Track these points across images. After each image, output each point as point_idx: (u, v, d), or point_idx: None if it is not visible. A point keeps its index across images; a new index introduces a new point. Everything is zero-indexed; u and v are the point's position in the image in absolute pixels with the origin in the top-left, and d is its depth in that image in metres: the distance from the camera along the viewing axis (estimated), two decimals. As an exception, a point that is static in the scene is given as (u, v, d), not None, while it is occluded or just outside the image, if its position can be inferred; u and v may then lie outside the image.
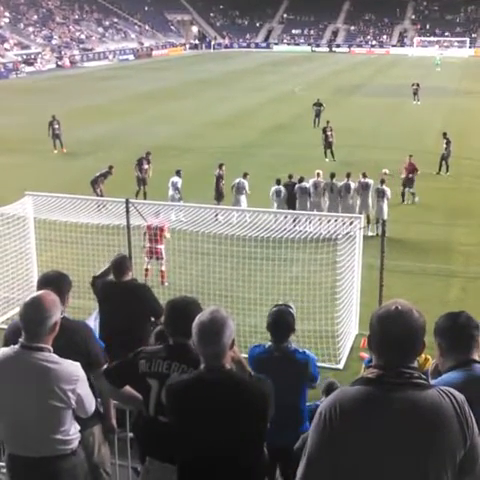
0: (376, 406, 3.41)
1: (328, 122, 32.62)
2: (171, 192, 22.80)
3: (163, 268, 17.39)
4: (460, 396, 3.48)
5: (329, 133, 32.06)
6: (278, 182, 22.70)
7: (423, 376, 3.52)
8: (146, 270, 17.02)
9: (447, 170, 29.20)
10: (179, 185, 22.92)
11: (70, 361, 5.11)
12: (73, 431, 5.26)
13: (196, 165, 28.77)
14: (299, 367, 7.07)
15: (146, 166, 25.67)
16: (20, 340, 5.09)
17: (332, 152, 31.98)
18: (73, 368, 5.10)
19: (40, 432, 5.13)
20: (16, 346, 5.10)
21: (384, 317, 3.51)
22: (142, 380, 5.31)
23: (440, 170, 29.31)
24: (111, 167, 24.49)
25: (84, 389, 5.18)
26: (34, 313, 4.99)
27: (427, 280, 18.09)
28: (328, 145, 32.13)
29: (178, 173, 23.35)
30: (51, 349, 5.08)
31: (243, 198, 22.38)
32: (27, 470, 5.21)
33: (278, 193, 22.42)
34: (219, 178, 23.54)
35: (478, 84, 60.49)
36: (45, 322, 4.97)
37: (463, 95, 53.74)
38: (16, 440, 5.24)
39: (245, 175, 22.95)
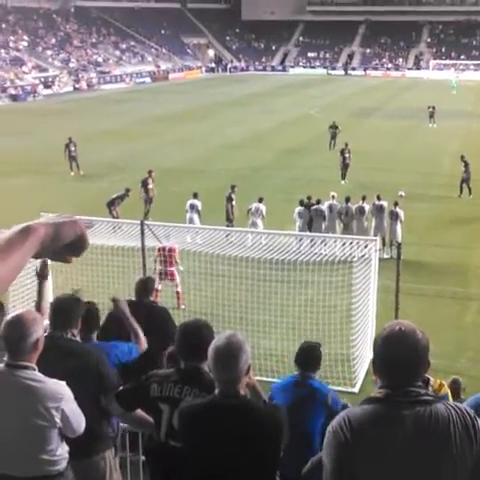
0: (385, 424, 3.41)
1: (347, 144, 32.64)
2: (190, 214, 22.79)
3: (179, 289, 17.34)
4: (467, 409, 3.49)
5: (347, 155, 32.07)
6: (301, 203, 22.73)
7: (430, 392, 3.54)
8: (157, 290, 16.96)
9: (469, 192, 29.01)
10: (199, 208, 22.94)
11: (55, 380, 5.07)
12: (60, 452, 5.18)
13: (211, 187, 28.81)
14: (320, 401, 7.02)
15: (151, 185, 25.81)
16: (4, 359, 5.09)
17: (345, 174, 31.95)
18: (57, 387, 5.06)
19: (25, 451, 5.07)
20: (1, 364, 5.10)
21: (388, 338, 3.52)
22: (153, 404, 5.28)
23: (461, 192, 29.15)
24: (128, 190, 24.64)
25: (69, 407, 5.11)
26: (15, 331, 4.98)
27: (443, 303, 17.98)
28: (345, 167, 32.14)
29: (196, 196, 23.38)
30: (35, 367, 5.06)
31: (259, 222, 22.33)
32: None
33: (300, 214, 22.45)
34: (228, 199, 23.57)
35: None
36: (26, 340, 4.96)
37: (479, 117, 53.59)
38: (2, 459, 5.17)
39: (261, 200, 22.91)
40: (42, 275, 7.27)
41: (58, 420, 5.05)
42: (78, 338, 6.09)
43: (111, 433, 6.23)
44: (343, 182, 31.07)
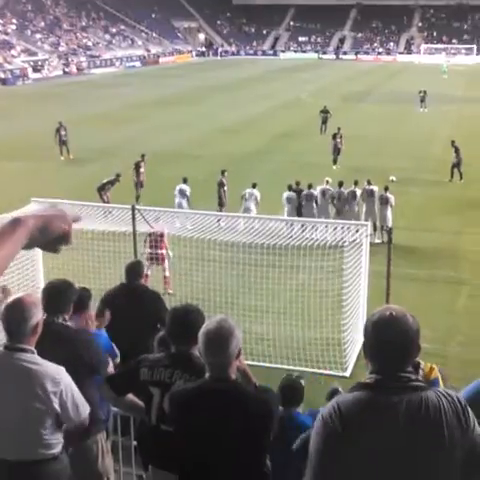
0: (376, 410, 3.40)
1: (339, 129, 32.57)
2: (178, 199, 22.70)
3: (167, 274, 17.28)
4: (458, 396, 3.48)
5: (338, 140, 32.04)
6: (290, 188, 22.72)
7: (420, 379, 3.53)
8: (146, 276, 16.89)
9: (460, 177, 29.05)
10: (188, 193, 22.87)
11: (54, 364, 5.09)
12: (56, 436, 5.20)
13: (203, 172, 28.75)
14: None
15: (142, 169, 25.80)
16: (3, 342, 5.13)
17: (336, 159, 31.91)
18: (56, 370, 5.08)
19: (22, 434, 5.08)
20: (1, 348, 5.13)
21: (379, 323, 3.50)
22: (144, 388, 5.30)
23: (452, 177, 29.20)
24: (118, 175, 24.57)
25: (70, 392, 5.13)
26: (15, 314, 5.01)
27: (435, 287, 18.03)
28: (337, 152, 32.10)
29: (185, 181, 23.31)
30: (34, 350, 5.08)
31: (253, 207, 22.24)
32: (8, 474, 5.16)
33: (289, 200, 22.43)
34: (220, 185, 23.52)
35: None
36: (26, 323, 4.99)
37: (470, 102, 53.60)
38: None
39: (254, 185, 22.84)
40: None
41: (56, 405, 5.05)
42: (70, 323, 6.08)
43: (102, 416, 6.25)
44: (334, 167, 31.03)
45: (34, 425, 5.08)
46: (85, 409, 5.27)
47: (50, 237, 2.39)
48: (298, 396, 7.09)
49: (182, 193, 22.88)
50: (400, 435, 3.35)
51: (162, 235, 16.87)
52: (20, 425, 5.07)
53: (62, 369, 5.10)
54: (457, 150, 29.03)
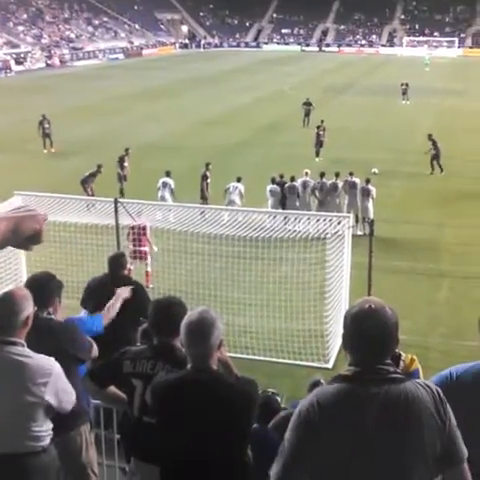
0: (355, 402, 3.43)
1: (322, 121, 32.56)
2: (161, 193, 22.63)
3: (148, 269, 17.29)
4: (436, 387, 3.52)
5: (321, 132, 32.08)
6: (273, 181, 22.78)
7: (398, 370, 3.56)
8: (129, 270, 16.86)
9: (441, 170, 29.23)
10: (172, 186, 22.82)
11: (44, 356, 5.13)
12: (45, 428, 5.22)
13: (186, 164, 28.73)
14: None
15: (126, 163, 25.75)
16: None
17: (319, 151, 31.97)
18: (46, 362, 5.12)
19: (11, 427, 5.11)
20: None
21: (358, 316, 3.54)
22: (126, 380, 5.33)
23: (433, 170, 29.39)
24: (100, 166, 24.48)
25: (59, 384, 5.16)
26: (5, 308, 5.04)
27: (416, 279, 18.15)
28: (319, 144, 32.17)
29: (168, 174, 23.25)
30: (24, 343, 5.11)
31: (237, 200, 22.19)
32: None
33: (273, 192, 22.49)
34: (204, 177, 23.52)
35: (466, 83, 60.76)
36: (17, 316, 5.02)
37: (452, 94, 53.83)
38: None
39: (239, 179, 22.82)
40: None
41: (46, 396, 5.08)
42: (53, 316, 6.09)
43: (86, 408, 6.27)
44: (317, 159, 31.11)
45: (24, 418, 5.10)
46: (73, 398, 5.35)
47: (22, 237, 2.47)
48: (273, 415, 7.07)
49: (165, 186, 22.82)
50: (377, 426, 3.37)
51: (144, 228, 16.86)
52: (10, 418, 5.09)
53: (52, 360, 5.14)
54: (435, 143, 29.22)
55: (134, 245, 16.90)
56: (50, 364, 5.13)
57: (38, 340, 5.27)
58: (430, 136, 29.52)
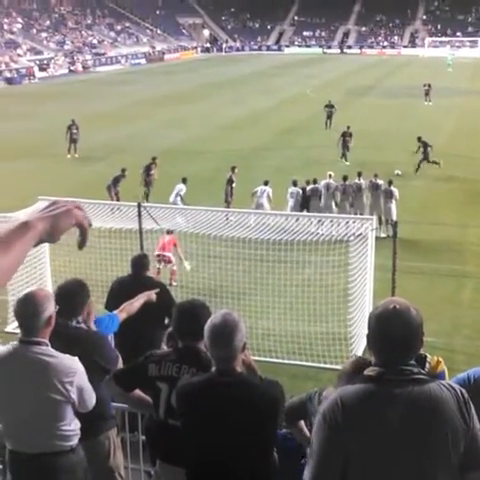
0: (379, 403, 3.43)
1: (349, 127, 32.26)
2: (172, 199, 22.56)
3: (174, 268, 17.43)
4: (460, 388, 3.51)
5: (348, 138, 31.77)
6: (294, 184, 22.76)
7: (422, 371, 3.56)
8: (158, 270, 16.96)
9: (439, 164, 29.13)
10: (182, 193, 22.76)
11: (68, 355, 5.18)
12: (73, 428, 5.28)
13: (208, 168, 28.80)
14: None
15: (153, 171, 25.67)
16: (18, 336, 5.23)
17: (345, 154, 31.73)
18: (70, 361, 5.17)
19: (40, 427, 5.18)
20: (15, 342, 5.23)
21: (383, 316, 3.53)
22: (152, 384, 5.35)
23: (418, 168, 29.31)
24: (124, 170, 24.45)
25: (82, 382, 5.22)
26: (28, 308, 5.10)
27: (440, 281, 18.03)
28: (347, 149, 31.81)
29: (184, 181, 23.24)
30: (48, 343, 5.17)
31: (266, 203, 22.25)
32: (26, 467, 5.25)
33: (293, 195, 22.47)
34: (229, 181, 23.51)
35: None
36: (39, 316, 5.08)
37: (475, 95, 53.43)
38: (16, 436, 5.29)
39: (266, 183, 22.86)
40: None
41: (73, 395, 5.15)
42: (83, 325, 6.08)
43: (113, 413, 6.31)
44: (347, 163, 30.57)
45: (53, 417, 5.17)
46: (94, 398, 5.38)
47: (58, 236, 2.47)
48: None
49: (177, 193, 22.75)
50: (402, 427, 3.37)
51: (172, 242, 17.07)
52: (39, 417, 5.17)
53: (75, 359, 5.20)
54: (425, 145, 29.16)
55: (159, 250, 17.06)
56: (74, 363, 5.19)
57: (66, 349, 5.30)
58: (419, 138, 29.44)
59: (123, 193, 23.36)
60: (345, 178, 22.60)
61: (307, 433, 5.45)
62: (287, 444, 5.79)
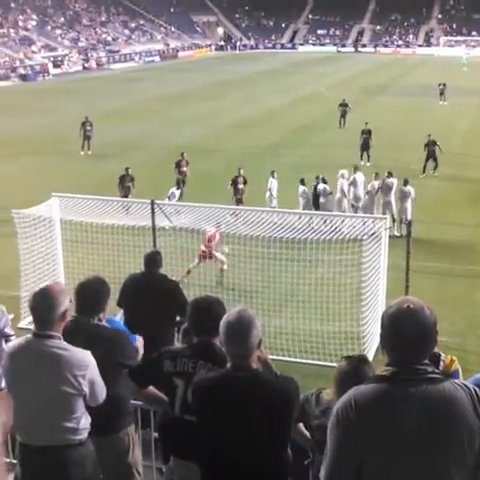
0: (393, 402, 3.41)
1: (366, 123, 31.90)
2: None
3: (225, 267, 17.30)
4: (474, 387, 3.48)
5: (365, 136, 31.38)
6: (302, 182, 22.70)
7: (436, 370, 3.53)
8: (188, 271, 16.76)
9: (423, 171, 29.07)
10: (177, 194, 22.78)
11: (80, 349, 5.21)
12: (83, 422, 5.30)
13: (220, 166, 28.76)
14: None
15: (185, 168, 25.71)
16: (32, 329, 5.25)
17: (367, 155, 31.41)
18: (83, 355, 5.20)
19: (50, 419, 5.21)
20: (29, 335, 5.25)
21: (396, 316, 3.51)
22: (168, 379, 5.35)
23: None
24: (127, 168, 24.48)
25: (94, 376, 5.24)
26: (43, 302, 5.14)
27: (454, 281, 17.95)
28: (366, 147, 31.47)
29: (178, 185, 23.44)
30: (61, 337, 5.20)
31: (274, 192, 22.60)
32: (36, 459, 5.27)
33: (303, 194, 22.45)
34: (234, 182, 23.57)
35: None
36: (54, 310, 5.11)
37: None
38: (28, 428, 5.31)
39: (272, 174, 23.07)
40: None
41: (85, 388, 5.18)
42: (104, 322, 6.07)
43: (132, 409, 6.31)
44: (368, 164, 30.05)
45: (65, 409, 5.20)
46: (104, 392, 5.41)
47: None
48: None
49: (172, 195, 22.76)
50: (416, 426, 3.35)
51: (210, 239, 17.04)
52: (51, 410, 5.19)
53: (88, 353, 5.22)
54: (434, 144, 29.00)
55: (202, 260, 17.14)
56: (86, 356, 5.21)
57: (88, 347, 5.31)
58: (429, 138, 29.25)
59: (140, 190, 23.22)
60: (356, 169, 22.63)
61: (307, 434, 5.47)
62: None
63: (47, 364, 5.14)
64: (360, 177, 22.86)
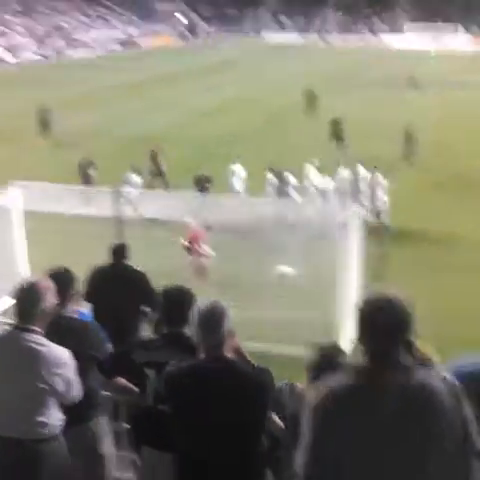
0: (369, 392, 3.43)
1: (338, 117, 32.11)
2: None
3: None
4: (451, 377, 3.54)
5: (339, 127, 31.50)
6: (271, 171, 22.63)
7: (413, 360, 3.58)
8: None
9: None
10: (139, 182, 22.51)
11: (59, 346, 5.28)
12: (57, 417, 5.36)
13: (185, 156, 28.53)
14: None
15: (159, 158, 25.08)
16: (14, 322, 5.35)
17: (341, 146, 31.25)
18: (60, 352, 5.27)
19: (24, 412, 5.25)
20: (8, 327, 5.38)
21: (370, 306, 3.54)
22: (139, 370, 5.40)
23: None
24: (87, 157, 24.55)
25: (70, 375, 5.32)
26: (27, 296, 5.21)
27: (429, 270, 17.80)
28: (338, 138, 31.47)
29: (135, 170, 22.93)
30: (42, 332, 5.26)
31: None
32: (7, 451, 5.29)
33: (270, 182, 22.36)
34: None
35: (475, 75, 60.01)
36: (38, 305, 5.18)
37: (458, 85, 53.29)
38: (0, 419, 5.34)
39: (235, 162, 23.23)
40: None
41: (58, 386, 5.25)
42: (75, 314, 6.20)
43: (102, 400, 6.37)
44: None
45: (37, 404, 5.25)
46: (80, 391, 5.50)
47: None
48: None
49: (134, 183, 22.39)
50: (393, 416, 3.37)
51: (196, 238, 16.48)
52: (23, 403, 5.25)
53: (66, 351, 5.29)
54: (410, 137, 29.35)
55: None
56: (64, 354, 5.28)
57: (59, 339, 5.36)
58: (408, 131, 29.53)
59: (103, 179, 22.84)
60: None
61: (280, 424, 5.49)
62: None
63: (23, 358, 5.19)
64: (341, 171, 22.77)
